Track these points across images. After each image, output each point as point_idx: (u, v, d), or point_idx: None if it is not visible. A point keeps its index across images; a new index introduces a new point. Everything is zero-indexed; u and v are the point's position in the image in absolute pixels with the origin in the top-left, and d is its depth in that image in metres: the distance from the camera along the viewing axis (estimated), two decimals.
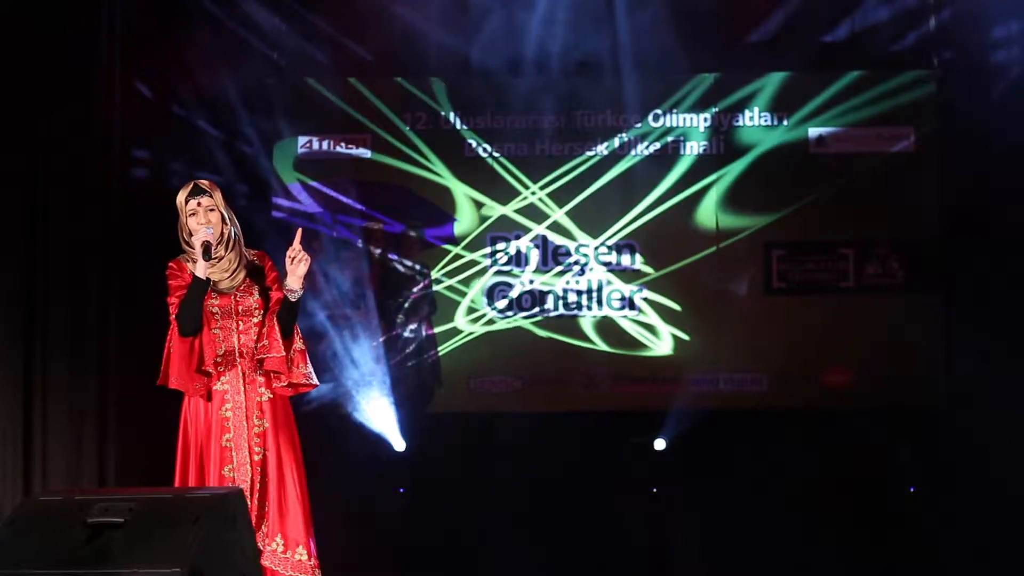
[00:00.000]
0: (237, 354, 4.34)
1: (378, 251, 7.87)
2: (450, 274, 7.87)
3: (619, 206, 7.84)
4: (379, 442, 7.55)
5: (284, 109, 7.79)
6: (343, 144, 7.86)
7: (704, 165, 7.83)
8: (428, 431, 7.58)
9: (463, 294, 7.84)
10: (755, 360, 7.72)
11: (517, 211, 7.86)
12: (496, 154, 7.86)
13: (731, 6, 7.63)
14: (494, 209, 7.87)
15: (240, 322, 4.35)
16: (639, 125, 7.83)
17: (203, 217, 4.29)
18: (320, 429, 6.59)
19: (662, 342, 7.79)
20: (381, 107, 7.85)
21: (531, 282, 7.86)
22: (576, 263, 7.85)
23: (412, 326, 7.84)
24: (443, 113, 7.87)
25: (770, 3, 7.68)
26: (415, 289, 7.88)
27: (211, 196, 4.33)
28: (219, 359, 4.33)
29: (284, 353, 4.30)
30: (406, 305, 7.85)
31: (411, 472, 7.51)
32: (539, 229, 7.85)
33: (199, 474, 4.31)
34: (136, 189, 6.91)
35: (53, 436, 6.21)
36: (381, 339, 7.75)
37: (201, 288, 4.24)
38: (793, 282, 7.79)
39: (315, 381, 4.42)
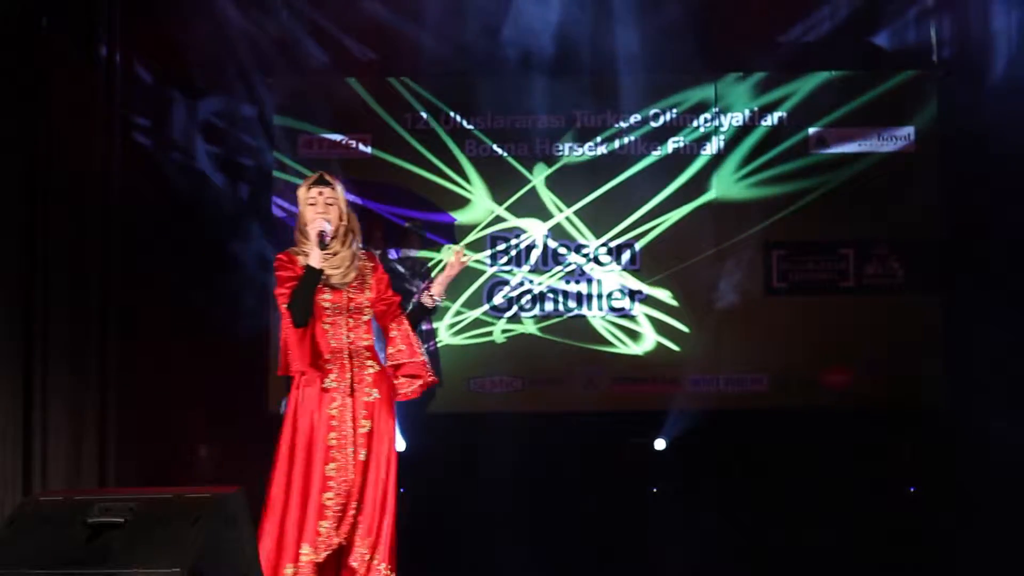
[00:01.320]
0: (346, 353, 4.30)
1: (377, 250, 7.87)
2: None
3: (621, 207, 7.83)
4: None
5: (286, 106, 7.79)
6: (344, 141, 7.85)
7: (705, 165, 7.82)
8: (428, 431, 7.58)
9: (458, 295, 7.84)
10: (755, 360, 7.72)
11: (517, 211, 7.86)
12: (498, 152, 7.86)
13: (733, 10, 7.63)
14: (495, 208, 7.87)
15: (351, 319, 4.31)
16: (638, 121, 7.83)
17: (321, 208, 4.28)
18: None
19: (661, 342, 7.78)
20: (384, 104, 7.84)
21: (531, 281, 7.85)
22: (576, 263, 7.84)
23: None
24: (444, 111, 7.87)
25: (771, 6, 7.68)
26: (414, 287, 7.87)
27: (333, 189, 4.32)
28: (329, 355, 4.29)
29: (424, 358, 4.30)
30: (406, 305, 7.84)
31: (411, 472, 7.50)
32: (540, 229, 7.85)
33: (305, 472, 4.25)
34: (137, 189, 6.91)
35: (53, 436, 6.20)
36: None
37: (314, 277, 4.18)
38: (793, 282, 7.78)
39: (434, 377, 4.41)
